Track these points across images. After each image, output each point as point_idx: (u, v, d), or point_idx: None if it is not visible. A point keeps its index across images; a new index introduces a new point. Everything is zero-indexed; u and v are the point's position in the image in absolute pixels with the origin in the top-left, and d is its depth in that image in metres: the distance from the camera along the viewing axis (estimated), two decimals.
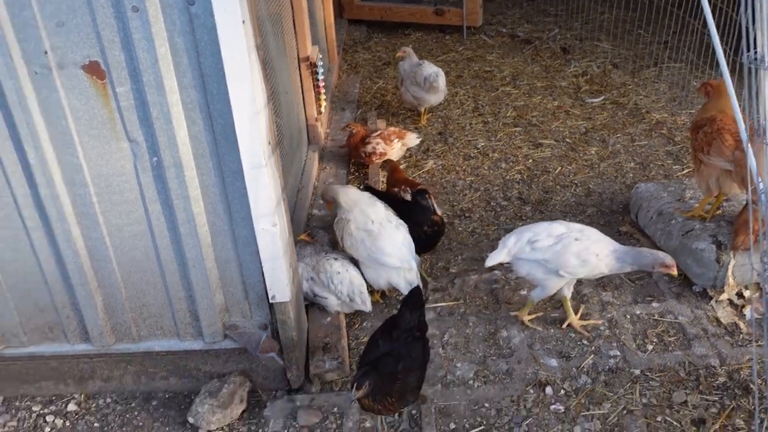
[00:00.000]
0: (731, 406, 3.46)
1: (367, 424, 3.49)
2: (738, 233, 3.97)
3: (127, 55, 2.83)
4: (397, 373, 3.09)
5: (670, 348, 3.84)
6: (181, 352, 3.68)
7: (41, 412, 3.75)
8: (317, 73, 5.68)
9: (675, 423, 3.40)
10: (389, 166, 5.40)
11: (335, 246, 4.38)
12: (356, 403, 3.05)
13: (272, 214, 3.15)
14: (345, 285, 3.97)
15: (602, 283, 4.32)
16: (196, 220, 3.21)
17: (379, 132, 5.77)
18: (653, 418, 3.43)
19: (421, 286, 3.91)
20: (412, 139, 5.84)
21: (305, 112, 5.78)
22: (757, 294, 4.12)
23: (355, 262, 4.13)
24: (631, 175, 5.63)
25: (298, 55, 5.49)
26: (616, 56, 7.98)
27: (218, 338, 3.59)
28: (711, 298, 4.13)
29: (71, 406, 3.77)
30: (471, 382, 3.71)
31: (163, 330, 3.64)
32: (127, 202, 3.21)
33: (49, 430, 3.65)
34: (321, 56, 5.88)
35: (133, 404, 3.77)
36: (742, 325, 3.96)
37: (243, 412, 3.61)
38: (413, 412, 3.55)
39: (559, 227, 3.81)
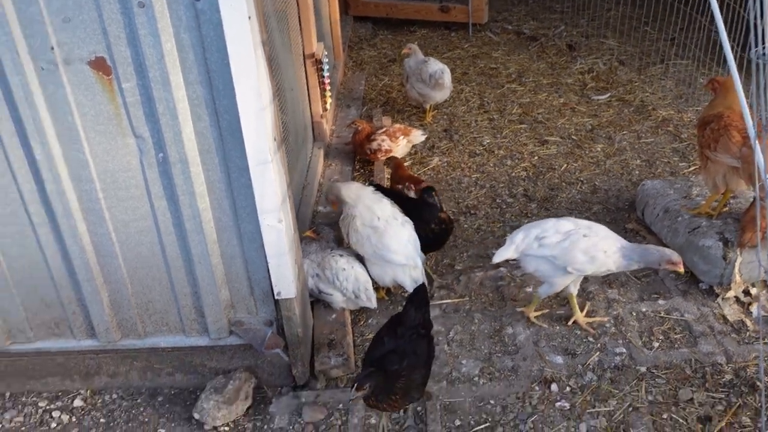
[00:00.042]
0: (738, 404, 3.45)
1: (372, 421, 3.49)
2: (745, 230, 3.96)
3: (133, 51, 2.84)
4: (401, 371, 3.08)
5: (676, 345, 3.83)
6: (186, 348, 3.69)
7: (47, 407, 3.76)
8: (323, 70, 5.67)
9: (681, 420, 3.39)
10: (393, 163, 5.40)
11: (340, 243, 4.38)
12: (357, 400, 3.04)
13: (278, 210, 3.15)
14: (350, 282, 3.97)
15: (608, 280, 4.31)
16: (201, 216, 3.21)
17: (384, 129, 5.77)
18: (659, 416, 3.42)
19: (426, 283, 3.91)
20: (418, 136, 5.83)
21: (310, 109, 5.77)
22: (764, 291, 4.10)
23: (360, 259, 4.13)
24: (637, 172, 5.61)
25: (303, 51, 5.48)
26: (622, 53, 7.95)
27: (224, 334, 3.60)
28: (717, 295, 4.11)
29: (77, 402, 3.78)
30: (476, 378, 3.70)
31: (169, 326, 3.64)
32: (133, 198, 3.22)
33: (55, 425, 3.67)
34: (326, 53, 5.88)
35: (138, 400, 3.78)
36: (748, 322, 3.95)
37: (248, 408, 3.62)
38: (418, 408, 3.55)
39: (567, 224, 3.80)
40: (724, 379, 3.60)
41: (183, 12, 2.76)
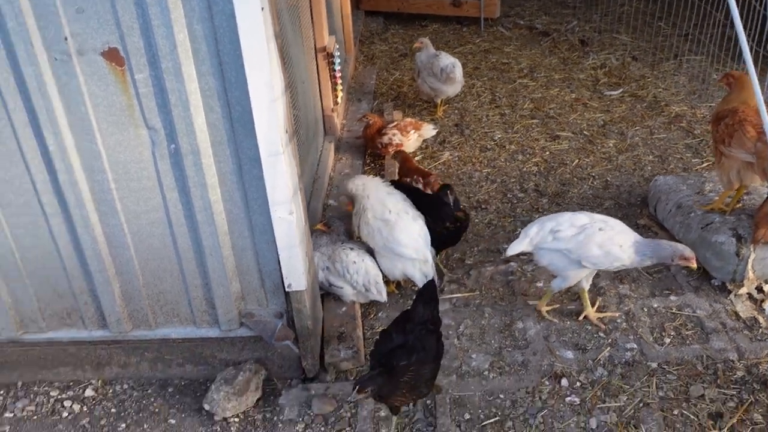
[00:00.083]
0: (749, 401, 3.42)
1: (382, 413, 3.49)
2: (759, 226, 3.92)
3: (146, 42, 2.84)
4: (409, 366, 3.07)
5: (687, 341, 3.81)
6: (197, 340, 3.70)
7: (59, 397, 3.79)
8: (334, 64, 5.67)
9: (692, 417, 3.37)
10: (400, 156, 5.39)
11: (351, 236, 4.38)
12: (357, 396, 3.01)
13: (289, 202, 3.15)
14: (361, 275, 3.97)
15: (619, 276, 4.28)
16: (213, 207, 3.22)
17: (395, 123, 5.76)
18: (670, 412, 3.40)
19: (436, 278, 3.90)
20: (429, 131, 5.82)
21: (321, 102, 5.77)
22: None
23: (371, 253, 4.13)
24: (649, 168, 5.57)
25: (315, 45, 5.48)
26: (635, 48, 7.89)
27: (234, 326, 3.61)
28: (730, 291, 4.08)
29: (88, 392, 3.81)
30: (486, 373, 3.70)
31: (180, 317, 3.66)
32: (145, 189, 3.23)
33: (66, 414, 3.69)
34: (338, 47, 5.87)
35: (149, 391, 3.80)
36: (761, 319, 3.92)
37: (258, 399, 3.63)
38: (428, 402, 3.55)
39: (583, 217, 3.78)
40: (735, 376, 3.58)
41: (196, 2, 2.76)
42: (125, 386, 3.83)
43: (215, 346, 3.73)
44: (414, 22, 9.08)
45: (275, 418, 3.55)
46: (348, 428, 3.46)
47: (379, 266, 4.08)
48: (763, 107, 2.77)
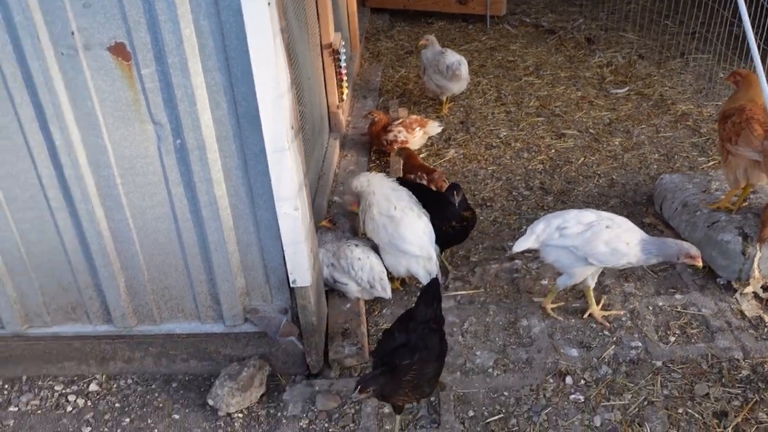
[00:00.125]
0: (754, 400, 3.41)
1: (386, 410, 3.49)
2: (765, 225, 3.90)
3: (153, 37, 2.84)
4: (412, 364, 3.06)
5: (692, 340, 3.80)
6: (201, 335, 3.70)
7: (63, 391, 3.80)
8: (339, 60, 5.66)
9: (696, 415, 3.36)
10: (404, 153, 5.39)
11: (356, 233, 4.38)
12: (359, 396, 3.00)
13: (294, 198, 3.15)
14: (365, 271, 3.97)
15: (625, 274, 4.27)
16: (218, 203, 3.22)
17: (400, 120, 5.75)
18: (674, 410, 3.39)
19: (440, 276, 3.89)
20: (434, 128, 5.81)
21: (327, 99, 5.77)
22: None
23: (376, 249, 4.13)
24: (655, 166, 5.56)
25: (320, 42, 5.47)
26: (641, 47, 7.87)
27: (239, 322, 3.61)
28: (735, 290, 4.07)
29: (93, 387, 3.81)
30: (490, 370, 3.69)
31: (185, 313, 3.66)
32: (151, 184, 3.23)
33: (70, 409, 3.70)
34: (343, 44, 5.87)
35: (153, 386, 3.80)
36: (766, 318, 3.91)
37: (262, 395, 3.63)
38: (432, 399, 3.55)
39: (590, 215, 3.78)
40: (740, 375, 3.57)
41: None
42: (129, 381, 3.84)
43: (220, 342, 3.73)
44: (420, 20, 9.07)
45: (279, 414, 3.56)
46: (352, 424, 3.46)
47: (383, 263, 4.08)
48: None
